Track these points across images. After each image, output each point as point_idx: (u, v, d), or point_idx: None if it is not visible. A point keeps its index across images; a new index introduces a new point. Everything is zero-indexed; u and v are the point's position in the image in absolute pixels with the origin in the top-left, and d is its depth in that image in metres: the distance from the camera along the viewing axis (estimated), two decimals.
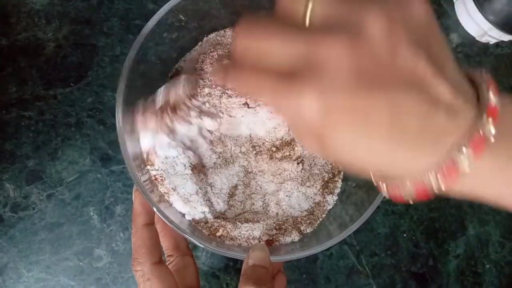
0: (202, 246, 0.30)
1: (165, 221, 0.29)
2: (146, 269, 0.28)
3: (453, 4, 0.52)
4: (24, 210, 0.41)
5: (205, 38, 0.40)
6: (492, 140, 0.17)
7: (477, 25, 0.48)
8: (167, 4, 0.34)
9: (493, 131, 0.17)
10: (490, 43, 0.50)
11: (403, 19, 0.16)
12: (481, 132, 0.17)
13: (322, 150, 0.18)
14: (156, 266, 0.28)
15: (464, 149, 0.17)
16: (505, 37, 0.47)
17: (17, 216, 0.41)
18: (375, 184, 0.22)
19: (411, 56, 0.16)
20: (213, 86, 0.35)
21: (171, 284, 0.28)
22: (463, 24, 0.50)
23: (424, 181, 0.18)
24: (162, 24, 0.34)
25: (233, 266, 0.42)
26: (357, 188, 0.37)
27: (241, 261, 0.28)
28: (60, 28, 0.45)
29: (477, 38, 0.50)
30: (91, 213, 0.42)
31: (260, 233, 0.35)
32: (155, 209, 0.30)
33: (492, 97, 0.17)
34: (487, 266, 0.45)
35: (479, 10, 0.47)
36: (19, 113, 0.43)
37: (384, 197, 0.33)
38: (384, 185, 0.21)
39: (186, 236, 0.30)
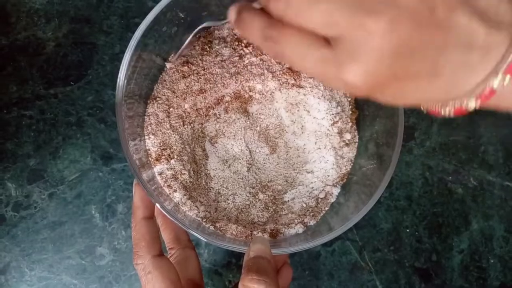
0: (204, 239, 0.30)
1: (166, 214, 0.29)
2: (147, 262, 0.28)
3: None
4: (26, 209, 0.41)
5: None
6: None
7: None
8: None
9: None
10: None
11: None
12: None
13: (370, 97, 0.20)
14: (156, 258, 0.28)
15: (499, 75, 0.18)
16: None
17: (19, 215, 0.41)
18: (429, 110, 0.23)
19: (446, 7, 0.18)
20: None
21: (173, 276, 0.28)
22: None
23: (462, 104, 0.20)
24: (161, 19, 0.34)
25: (235, 263, 0.42)
26: (359, 181, 0.37)
27: (244, 258, 0.28)
28: (60, 27, 0.45)
29: None
30: (93, 212, 0.42)
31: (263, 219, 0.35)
32: (157, 205, 0.30)
33: None
34: (492, 261, 0.44)
35: None
36: (20, 113, 0.43)
37: (385, 192, 0.33)
38: (425, 107, 0.23)
39: (187, 229, 0.30)
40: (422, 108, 0.23)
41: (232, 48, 0.38)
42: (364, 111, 0.39)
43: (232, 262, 0.42)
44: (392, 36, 0.17)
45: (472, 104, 0.20)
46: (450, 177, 0.46)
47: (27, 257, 0.40)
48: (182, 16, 0.37)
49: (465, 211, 0.45)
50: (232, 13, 0.21)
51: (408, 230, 0.44)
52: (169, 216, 0.29)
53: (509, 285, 0.44)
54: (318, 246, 0.43)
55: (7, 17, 0.45)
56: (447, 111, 0.21)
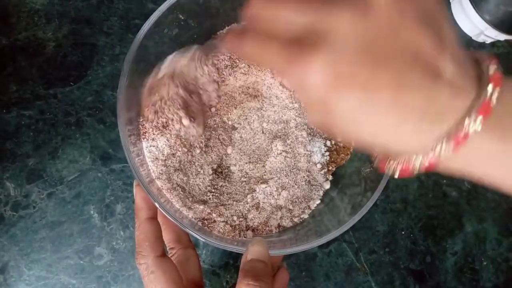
0: (202, 239, 0.30)
1: (166, 215, 0.30)
2: (150, 262, 0.28)
3: (449, 3, 0.52)
4: (24, 209, 0.41)
5: None
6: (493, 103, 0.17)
7: (473, 25, 0.49)
8: (166, 2, 0.34)
9: (495, 101, 0.17)
10: (486, 42, 0.51)
11: None
12: (483, 102, 0.17)
13: (327, 119, 0.19)
14: (159, 258, 0.28)
15: (472, 117, 0.17)
16: (501, 37, 0.48)
17: (17, 215, 0.41)
18: (380, 161, 0.22)
19: (417, 31, 0.16)
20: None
21: (175, 276, 0.28)
22: (459, 24, 0.51)
23: (424, 156, 0.18)
24: (162, 21, 0.34)
25: (233, 264, 0.42)
26: (356, 184, 0.37)
27: (241, 259, 0.29)
28: (60, 27, 0.45)
29: (473, 38, 0.51)
30: (92, 212, 0.42)
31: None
32: (156, 204, 0.30)
33: (491, 70, 0.18)
34: (485, 263, 0.45)
35: (475, 10, 0.47)
36: (20, 112, 0.43)
37: (381, 195, 0.33)
38: (389, 161, 0.21)
39: (187, 230, 0.30)
40: (372, 158, 0.21)
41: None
42: None
43: (229, 263, 0.42)
44: (359, 26, 0.16)
45: (419, 165, 0.18)
46: (445, 180, 0.46)
47: (26, 256, 0.41)
48: (183, 18, 0.37)
49: (459, 213, 0.46)
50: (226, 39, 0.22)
51: (403, 232, 0.45)
52: (168, 217, 0.30)
53: (502, 286, 0.45)
54: (314, 247, 0.43)
55: (8, 17, 0.45)
56: (392, 167, 0.20)
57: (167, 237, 0.33)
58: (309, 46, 0.17)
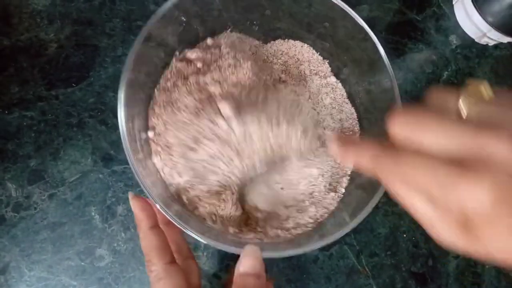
0: (204, 241, 0.30)
1: (167, 215, 0.30)
2: (160, 269, 0.28)
3: (452, 6, 0.52)
4: (26, 210, 0.41)
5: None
6: None
7: (476, 27, 0.48)
8: (168, 2, 0.34)
9: None
10: (489, 44, 0.51)
11: None
12: None
13: (468, 241, 0.19)
14: (168, 265, 0.29)
15: None
16: (504, 39, 0.48)
17: (19, 216, 0.41)
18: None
19: None
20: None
21: (182, 283, 0.28)
22: (462, 26, 0.51)
23: None
24: (164, 22, 0.34)
25: (234, 266, 0.42)
26: (356, 189, 0.37)
27: (235, 268, 0.28)
28: (62, 28, 0.45)
29: (476, 40, 0.51)
30: (93, 213, 0.42)
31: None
32: (157, 206, 0.30)
33: None
34: (487, 266, 0.45)
35: (478, 12, 0.47)
36: (21, 113, 0.43)
37: (382, 198, 0.33)
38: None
39: (190, 232, 0.30)
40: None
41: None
42: (366, 114, 0.40)
43: (230, 265, 0.42)
44: None
45: None
46: None
47: (27, 257, 0.41)
48: (184, 20, 0.38)
49: None
50: (334, 143, 0.22)
51: (405, 235, 0.45)
52: (171, 219, 0.30)
53: None
54: (316, 250, 0.43)
55: (10, 18, 0.45)
56: None
57: None
58: (474, 169, 0.17)
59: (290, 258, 0.43)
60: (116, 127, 0.43)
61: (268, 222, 0.37)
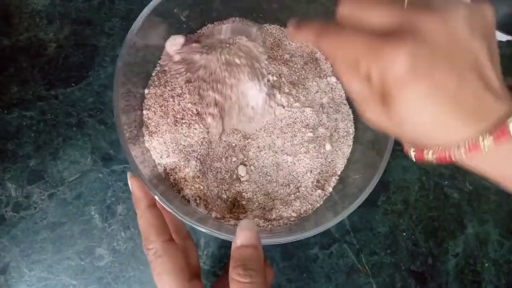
0: (203, 230, 0.31)
1: (163, 205, 0.30)
2: (158, 246, 0.28)
3: None
4: (25, 210, 0.41)
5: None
6: None
7: None
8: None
9: None
10: None
11: (479, 13, 0.20)
12: (508, 126, 0.19)
13: (386, 112, 0.21)
14: (167, 243, 0.29)
15: (487, 135, 0.19)
16: (503, 37, 0.48)
17: (19, 216, 0.41)
18: (406, 149, 0.24)
19: (479, 44, 0.19)
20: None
21: (181, 262, 0.28)
22: None
23: (451, 151, 0.21)
24: (156, 15, 0.36)
25: (229, 264, 0.42)
26: (353, 178, 0.38)
27: (231, 245, 0.28)
28: (62, 28, 0.45)
29: None
30: (93, 213, 0.42)
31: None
32: (156, 198, 0.30)
33: None
34: (486, 264, 0.45)
35: None
36: (21, 113, 0.43)
37: (382, 196, 0.33)
38: (412, 150, 0.23)
39: (183, 219, 0.31)
40: (406, 151, 0.24)
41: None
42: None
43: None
44: (442, 30, 0.19)
45: (458, 155, 0.20)
46: (446, 182, 0.46)
47: (27, 257, 0.41)
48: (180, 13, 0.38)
49: (460, 215, 0.46)
50: (291, 24, 0.24)
51: (404, 234, 0.45)
52: (167, 208, 0.30)
53: None
54: (315, 248, 0.43)
55: (9, 18, 0.45)
56: (430, 155, 0.22)
57: None
58: (397, 38, 0.19)
59: (290, 258, 0.43)
60: (115, 126, 0.43)
61: (253, 212, 0.38)
